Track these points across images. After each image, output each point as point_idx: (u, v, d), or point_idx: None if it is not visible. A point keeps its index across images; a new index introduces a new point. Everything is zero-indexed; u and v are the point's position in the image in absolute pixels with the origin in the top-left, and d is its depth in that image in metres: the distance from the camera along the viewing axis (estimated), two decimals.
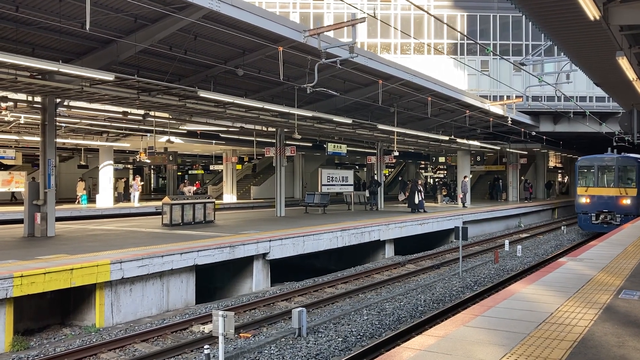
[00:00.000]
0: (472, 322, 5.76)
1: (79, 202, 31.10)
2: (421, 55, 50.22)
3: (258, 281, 13.66)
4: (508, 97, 44.67)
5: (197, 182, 46.14)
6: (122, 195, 35.54)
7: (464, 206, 30.30)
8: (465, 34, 46.58)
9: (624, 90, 17.28)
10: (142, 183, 35.36)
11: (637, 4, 9.68)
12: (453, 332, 5.39)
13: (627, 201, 22.55)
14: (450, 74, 45.40)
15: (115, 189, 33.28)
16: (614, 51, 11.17)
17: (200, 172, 53.38)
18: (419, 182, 27.31)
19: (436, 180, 64.59)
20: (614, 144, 30.12)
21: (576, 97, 44.08)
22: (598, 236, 18.49)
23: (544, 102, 38.95)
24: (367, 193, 28.98)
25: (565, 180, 55.72)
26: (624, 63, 11.57)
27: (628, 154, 24.85)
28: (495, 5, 49.68)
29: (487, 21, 50.85)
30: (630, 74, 12.65)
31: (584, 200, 23.60)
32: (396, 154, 25.99)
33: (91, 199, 33.11)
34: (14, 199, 35.03)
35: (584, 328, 5.53)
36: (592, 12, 8.65)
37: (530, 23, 11.65)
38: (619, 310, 6.29)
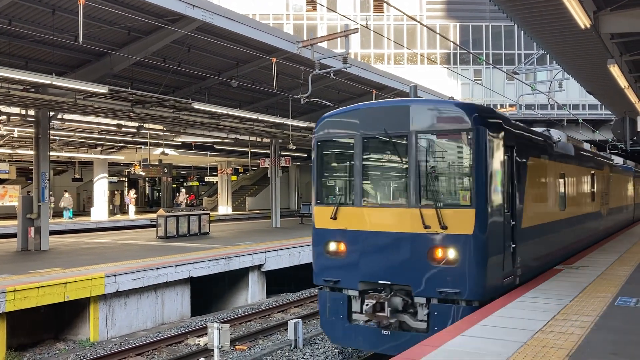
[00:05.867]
0: (469, 331, 5.73)
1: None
2: (414, 65, 50.48)
3: (254, 293, 13.58)
4: (501, 106, 44.91)
5: (191, 194, 45.96)
6: (115, 207, 35.33)
7: None
8: (458, 43, 46.84)
9: (616, 98, 17.38)
10: (135, 196, 35.16)
11: (627, 12, 9.77)
12: (450, 341, 5.37)
13: (447, 253, 6.97)
14: (443, 84, 45.56)
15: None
16: (605, 59, 11.24)
17: (195, 184, 53.28)
18: None
19: None
20: (608, 151, 30.14)
21: (569, 105, 44.29)
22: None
23: (537, 111, 39.13)
24: None
25: None
26: (615, 71, 11.63)
27: (454, 101, 8.11)
28: (488, 15, 50.06)
29: (480, 31, 51.22)
30: (622, 81, 12.71)
31: (333, 247, 7.81)
32: None
33: (81, 212, 32.67)
34: None
35: (580, 336, 5.52)
36: (582, 20, 8.71)
37: (522, 32, 11.74)
38: (615, 318, 6.28)
